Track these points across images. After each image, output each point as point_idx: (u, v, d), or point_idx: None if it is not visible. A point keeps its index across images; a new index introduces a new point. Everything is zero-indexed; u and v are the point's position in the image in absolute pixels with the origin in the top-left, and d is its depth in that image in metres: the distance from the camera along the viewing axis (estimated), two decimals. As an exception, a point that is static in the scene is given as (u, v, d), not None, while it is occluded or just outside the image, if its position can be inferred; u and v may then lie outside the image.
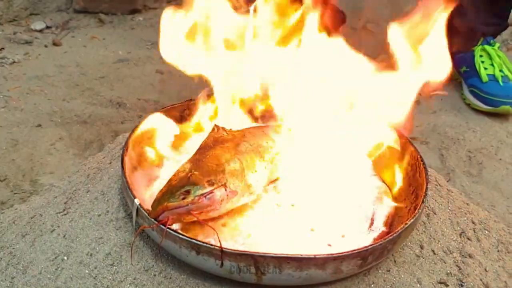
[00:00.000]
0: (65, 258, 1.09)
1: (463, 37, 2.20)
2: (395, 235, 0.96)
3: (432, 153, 2.20)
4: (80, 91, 2.38)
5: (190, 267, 1.01)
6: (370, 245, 0.93)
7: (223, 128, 1.19)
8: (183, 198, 0.95)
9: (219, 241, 0.91)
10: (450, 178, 2.04)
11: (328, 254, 0.91)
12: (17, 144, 1.96)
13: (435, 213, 1.19)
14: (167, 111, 1.33)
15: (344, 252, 0.91)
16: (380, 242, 0.94)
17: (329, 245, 1.04)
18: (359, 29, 3.31)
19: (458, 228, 1.18)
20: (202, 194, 0.96)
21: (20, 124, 2.08)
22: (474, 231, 1.19)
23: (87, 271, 1.04)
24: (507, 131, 2.33)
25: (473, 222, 1.21)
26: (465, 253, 1.12)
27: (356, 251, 0.92)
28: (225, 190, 1.00)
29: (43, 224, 1.20)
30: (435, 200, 1.24)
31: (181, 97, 2.32)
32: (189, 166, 1.04)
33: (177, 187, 0.97)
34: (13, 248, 1.16)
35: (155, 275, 1.01)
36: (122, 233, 1.10)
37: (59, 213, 1.21)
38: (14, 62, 2.51)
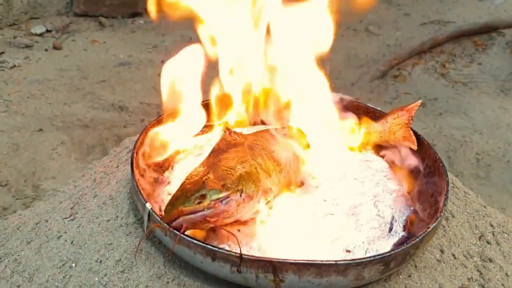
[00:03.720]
0: (73, 265, 1.05)
1: None
2: (417, 239, 0.93)
3: (439, 156, 2.18)
4: (81, 95, 2.35)
5: (203, 274, 0.98)
6: (392, 250, 0.91)
7: (235, 132, 1.16)
8: (199, 203, 0.92)
9: (239, 247, 0.87)
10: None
11: (350, 260, 0.88)
12: (18, 149, 1.93)
13: (453, 216, 1.17)
14: (173, 114, 1.30)
15: (367, 258, 0.88)
16: (403, 248, 0.91)
17: (348, 251, 1.00)
18: (361, 31, 3.30)
19: (477, 231, 1.16)
20: (218, 199, 0.93)
21: (21, 128, 2.05)
22: (493, 234, 1.16)
23: (96, 279, 1.01)
24: (515, 133, 2.31)
25: (491, 225, 1.18)
26: (485, 257, 1.09)
27: (379, 256, 0.89)
28: (241, 194, 0.96)
29: (49, 230, 1.17)
30: (453, 203, 1.21)
31: (184, 101, 2.29)
32: (203, 169, 1.00)
33: (192, 191, 0.93)
34: (18, 255, 1.13)
35: (168, 282, 0.98)
36: (132, 239, 1.06)
37: (66, 218, 1.18)
38: (14, 66, 2.48)
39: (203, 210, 0.92)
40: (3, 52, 2.61)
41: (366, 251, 0.99)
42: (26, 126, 2.04)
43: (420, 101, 1.25)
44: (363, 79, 2.73)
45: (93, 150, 2.00)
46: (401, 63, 2.90)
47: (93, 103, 2.28)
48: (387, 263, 0.90)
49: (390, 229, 1.04)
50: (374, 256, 0.89)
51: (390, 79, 2.81)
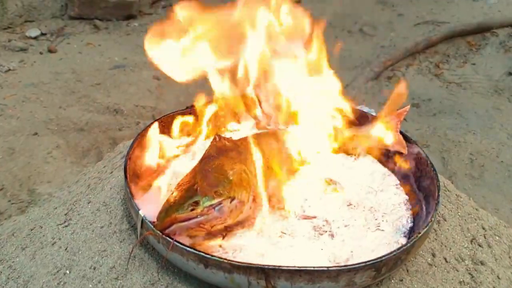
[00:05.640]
0: (68, 272, 1.05)
1: None
2: (408, 245, 0.93)
3: (433, 156, 2.18)
4: (76, 98, 2.35)
5: (197, 280, 0.98)
6: (384, 255, 0.91)
7: (225, 137, 1.16)
8: (192, 209, 0.92)
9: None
10: (452, 181, 2.02)
11: (341, 266, 0.89)
12: (14, 153, 1.93)
13: (445, 220, 1.17)
14: (166, 119, 1.31)
15: (358, 264, 0.89)
16: (394, 253, 0.91)
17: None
18: (355, 32, 3.30)
19: (469, 234, 1.16)
20: (211, 205, 0.94)
21: (17, 132, 2.05)
22: (484, 237, 1.17)
23: (90, 286, 1.01)
24: (508, 133, 2.32)
25: (483, 228, 1.19)
26: (477, 260, 1.10)
27: (370, 262, 0.89)
28: (233, 200, 0.97)
29: (43, 237, 1.17)
30: (445, 206, 1.21)
31: (178, 103, 2.30)
32: (194, 176, 1.01)
33: (185, 198, 0.94)
34: (13, 262, 1.13)
35: (161, 288, 0.98)
36: (126, 245, 1.07)
37: (60, 225, 1.18)
38: (9, 69, 2.48)
39: (196, 217, 0.93)
40: (-3, 56, 2.61)
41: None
42: (21, 130, 2.04)
43: (409, 106, 1.25)
44: (357, 81, 2.74)
45: (88, 153, 2.00)
46: (395, 64, 2.91)
47: (88, 106, 2.28)
48: (379, 269, 0.91)
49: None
50: (365, 261, 0.89)
51: (384, 80, 2.82)
